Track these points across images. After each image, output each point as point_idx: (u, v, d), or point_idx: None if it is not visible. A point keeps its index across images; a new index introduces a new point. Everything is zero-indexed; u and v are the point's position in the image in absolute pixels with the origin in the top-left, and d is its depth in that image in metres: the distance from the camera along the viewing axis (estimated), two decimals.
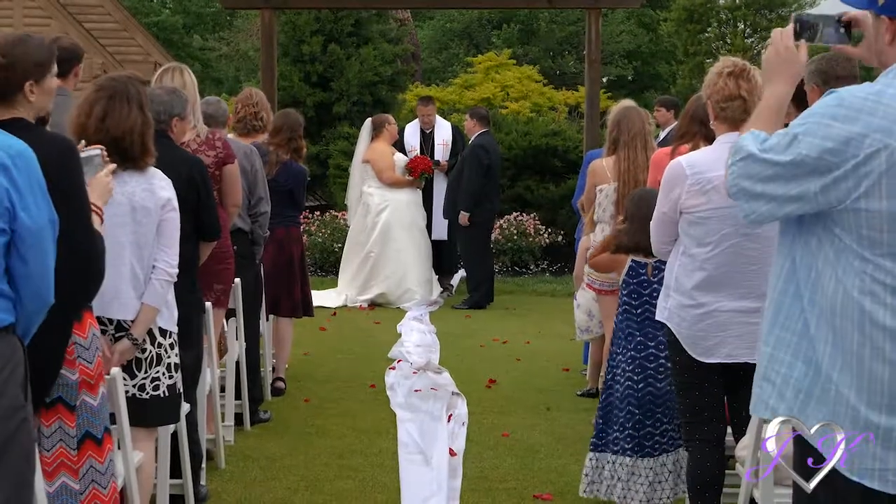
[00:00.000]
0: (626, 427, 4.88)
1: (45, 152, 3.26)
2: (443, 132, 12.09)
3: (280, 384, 7.48)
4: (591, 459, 4.98)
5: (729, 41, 32.26)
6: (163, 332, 4.30)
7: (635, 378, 4.90)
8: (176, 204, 4.32)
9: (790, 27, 2.77)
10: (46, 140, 3.48)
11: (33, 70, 3.55)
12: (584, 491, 5.00)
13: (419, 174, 11.42)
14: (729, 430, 4.44)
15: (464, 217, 11.18)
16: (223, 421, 6.04)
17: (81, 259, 3.46)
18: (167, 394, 4.31)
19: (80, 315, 3.64)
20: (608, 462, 4.92)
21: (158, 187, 4.27)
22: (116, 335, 4.21)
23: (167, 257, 4.25)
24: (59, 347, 3.52)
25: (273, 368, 7.54)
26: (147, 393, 4.24)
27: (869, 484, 2.46)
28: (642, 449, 4.86)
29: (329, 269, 13.12)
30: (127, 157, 4.17)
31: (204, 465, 5.28)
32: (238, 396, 6.44)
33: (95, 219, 3.64)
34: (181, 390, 4.46)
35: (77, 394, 3.62)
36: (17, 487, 3.01)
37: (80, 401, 3.63)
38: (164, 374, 4.29)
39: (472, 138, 11.41)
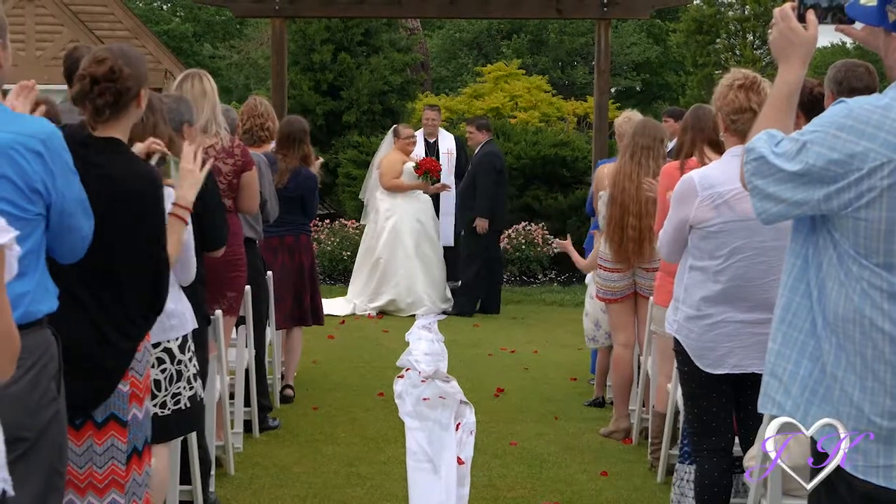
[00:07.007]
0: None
1: (136, 181, 3.58)
2: (446, 142, 12.25)
3: (289, 392, 7.49)
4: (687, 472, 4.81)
5: (738, 52, 32.27)
6: (181, 347, 4.22)
7: None
8: None
9: (789, 4, 2.72)
10: (136, 170, 3.64)
11: (143, 79, 3.68)
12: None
13: (422, 172, 11.38)
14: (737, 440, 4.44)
15: (483, 223, 11.15)
16: (232, 428, 6.06)
17: (156, 276, 3.69)
18: (189, 405, 4.28)
19: (150, 326, 3.76)
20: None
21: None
22: None
23: None
24: (126, 358, 3.63)
25: (282, 376, 7.56)
26: (168, 409, 4.20)
27: (875, 481, 2.50)
28: None
29: (338, 277, 13.13)
30: None
31: (213, 471, 5.30)
32: (247, 404, 6.47)
33: (180, 224, 3.91)
34: (202, 396, 4.45)
35: (128, 407, 3.66)
36: (49, 477, 3.07)
37: (131, 415, 3.67)
38: (185, 387, 4.26)
39: (481, 146, 11.43)
